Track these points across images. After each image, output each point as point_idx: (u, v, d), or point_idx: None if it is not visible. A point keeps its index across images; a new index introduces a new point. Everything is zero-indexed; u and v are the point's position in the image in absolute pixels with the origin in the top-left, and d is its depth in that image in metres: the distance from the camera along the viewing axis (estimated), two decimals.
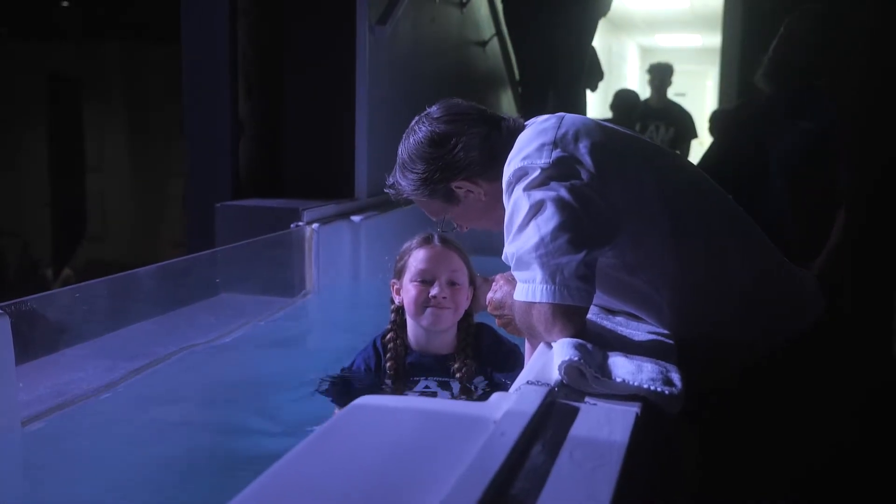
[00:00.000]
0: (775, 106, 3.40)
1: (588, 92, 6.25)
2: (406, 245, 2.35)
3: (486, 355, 2.35)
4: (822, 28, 3.28)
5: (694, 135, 6.82)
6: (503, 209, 1.72)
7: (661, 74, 6.76)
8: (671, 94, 7.06)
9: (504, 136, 1.82)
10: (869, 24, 2.89)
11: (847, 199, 2.99)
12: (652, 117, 6.67)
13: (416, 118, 1.91)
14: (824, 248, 3.07)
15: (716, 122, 6.07)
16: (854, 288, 2.91)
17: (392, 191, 1.94)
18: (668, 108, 6.77)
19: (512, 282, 1.77)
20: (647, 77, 6.94)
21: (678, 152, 6.45)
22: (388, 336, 2.37)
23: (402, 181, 1.90)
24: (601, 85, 6.83)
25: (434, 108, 1.90)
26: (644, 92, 7.23)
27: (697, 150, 6.77)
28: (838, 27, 3.26)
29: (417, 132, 1.87)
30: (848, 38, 3.20)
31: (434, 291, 2.27)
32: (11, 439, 2.24)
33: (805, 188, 3.21)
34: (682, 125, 6.70)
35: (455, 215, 1.93)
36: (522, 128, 1.83)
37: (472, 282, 2.34)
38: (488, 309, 1.92)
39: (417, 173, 1.86)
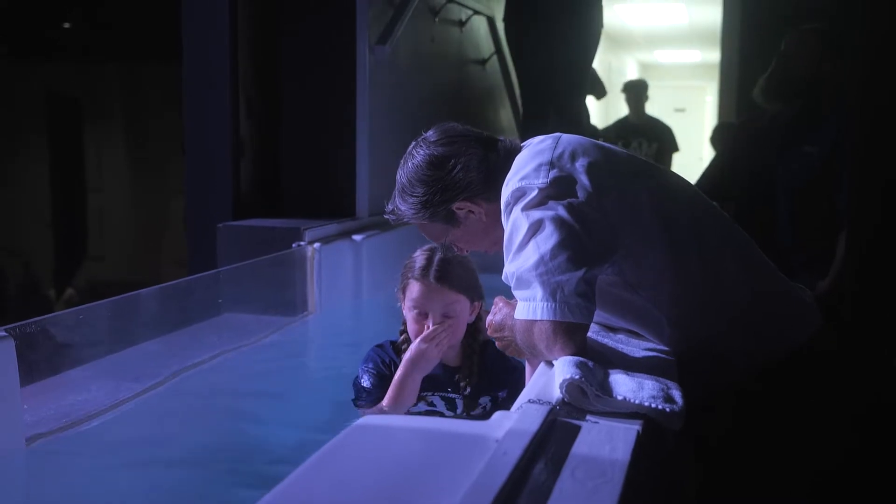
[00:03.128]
0: (778, 126, 3.42)
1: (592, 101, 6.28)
2: (409, 261, 2.33)
3: (490, 368, 2.36)
4: (821, 47, 3.30)
5: (675, 148, 6.90)
6: (503, 230, 1.74)
7: (636, 92, 6.87)
8: (672, 109, 7.10)
9: (501, 157, 1.84)
10: (869, 43, 2.91)
11: (849, 220, 3.00)
12: (633, 134, 6.74)
13: (413, 143, 1.91)
14: (829, 273, 3.08)
15: (718, 136, 6.09)
16: (855, 303, 2.92)
17: (392, 216, 1.94)
18: (648, 124, 6.86)
19: (511, 304, 1.78)
20: (623, 96, 7.01)
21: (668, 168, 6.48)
22: (403, 337, 2.37)
23: (402, 206, 1.90)
24: (602, 102, 6.84)
25: (430, 132, 1.91)
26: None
27: (678, 161, 6.82)
28: (838, 46, 3.28)
29: (415, 156, 1.88)
30: (848, 57, 3.22)
31: (429, 324, 2.27)
32: (16, 459, 2.24)
33: (809, 209, 3.22)
34: (664, 140, 6.80)
35: (456, 238, 1.93)
36: (519, 149, 1.85)
37: (477, 297, 2.34)
38: (488, 331, 1.92)
39: (417, 197, 1.86)
